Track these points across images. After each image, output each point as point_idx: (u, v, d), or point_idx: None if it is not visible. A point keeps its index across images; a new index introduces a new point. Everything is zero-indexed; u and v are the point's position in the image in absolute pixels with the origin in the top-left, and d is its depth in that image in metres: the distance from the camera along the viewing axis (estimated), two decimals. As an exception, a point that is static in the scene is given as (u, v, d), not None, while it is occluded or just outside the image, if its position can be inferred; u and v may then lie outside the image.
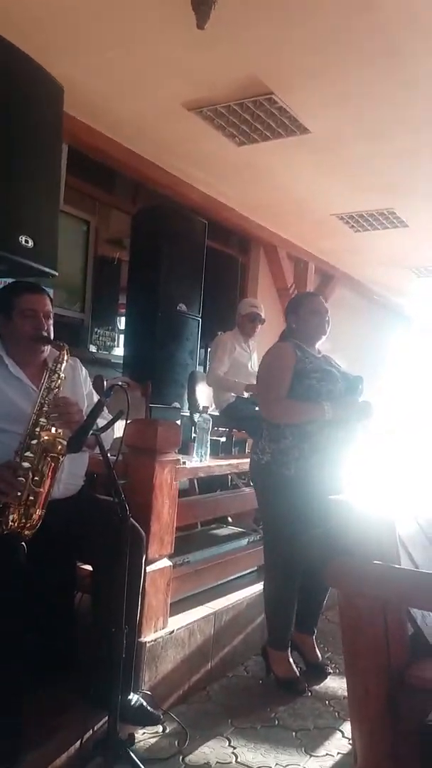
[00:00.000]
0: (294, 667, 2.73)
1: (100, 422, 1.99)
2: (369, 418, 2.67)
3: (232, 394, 4.26)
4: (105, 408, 2.11)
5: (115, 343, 5.12)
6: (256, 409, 4.18)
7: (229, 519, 3.74)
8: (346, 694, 2.52)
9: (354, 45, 3.00)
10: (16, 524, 1.90)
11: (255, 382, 4.32)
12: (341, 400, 2.63)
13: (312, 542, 2.46)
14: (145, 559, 2.30)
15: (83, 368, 2.39)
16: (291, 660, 2.73)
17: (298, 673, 2.72)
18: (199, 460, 2.83)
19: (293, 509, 2.55)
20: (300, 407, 2.58)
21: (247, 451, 4.60)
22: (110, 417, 2.07)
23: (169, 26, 2.90)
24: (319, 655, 2.89)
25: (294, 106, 3.66)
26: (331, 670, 2.84)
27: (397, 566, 1.92)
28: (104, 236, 4.82)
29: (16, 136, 2.36)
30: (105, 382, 3.63)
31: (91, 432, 1.88)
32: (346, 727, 2.36)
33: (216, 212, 5.19)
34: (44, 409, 2.02)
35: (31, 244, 2.38)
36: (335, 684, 2.74)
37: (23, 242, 2.36)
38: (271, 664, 2.73)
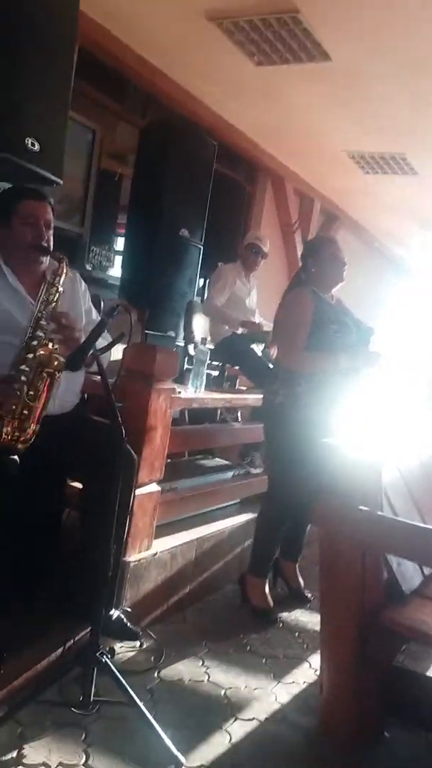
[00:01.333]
0: (269, 597, 2.82)
1: (100, 343, 1.93)
2: (377, 367, 2.70)
3: (227, 328, 4.20)
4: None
5: (111, 263, 4.98)
6: (252, 347, 4.17)
7: (216, 451, 3.76)
8: (316, 627, 2.62)
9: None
10: (9, 437, 1.87)
11: (252, 318, 4.30)
12: (355, 351, 2.67)
13: (305, 480, 2.52)
14: (135, 483, 2.30)
15: (83, 282, 2.31)
16: (267, 590, 2.83)
17: (271, 604, 2.82)
18: (194, 391, 2.80)
19: (299, 450, 2.59)
20: (316, 359, 2.64)
21: (237, 386, 4.60)
22: (110, 338, 2.02)
23: None
24: (302, 582, 3.02)
25: (319, 30, 3.46)
26: (311, 596, 2.95)
27: (379, 513, 1.95)
28: (109, 149, 4.59)
29: (27, 31, 2.18)
30: (102, 303, 3.54)
31: (90, 351, 1.83)
32: (314, 659, 2.45)
33: (226, 134, 4.97)
34: (41, 322, 1.96)
35: (37, 147, 2.25)
36: (306, 618, 2.83)
37: (29, 145, 2.22)
38: (248, 591, 2.82)
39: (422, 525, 2.15)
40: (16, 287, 2.07)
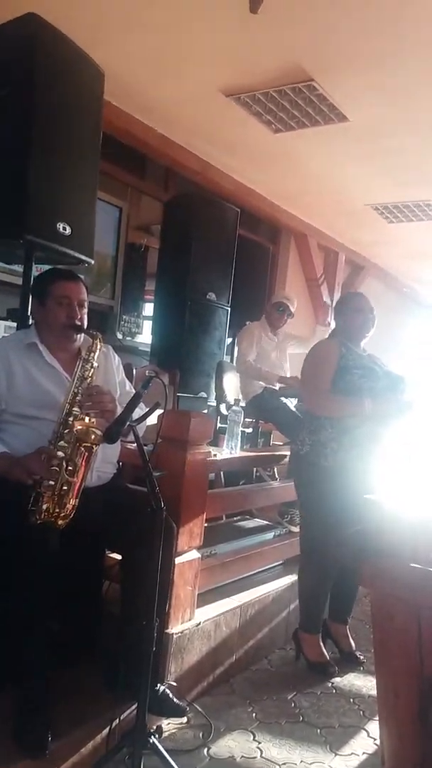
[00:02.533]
0: (324, 650, 2.81)
1: (136, 413, 1.98)
2: (407, 416, 2.68)
3: (260, 384, 4.22)
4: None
5: (140, 329, 5.10)
6: (282, 400, 4.17)
7: (254, 511, 3.72)
8: (371, 692, 2.53)
9: (398, 35, 2.93)
10: (49, 513, 1.90)
11: (282, 373, 4.32)
12: (382, 396, 2.65)
13: (347, 541, 2.46)
14: (175, 551, 2.29)
15: (116, 356, 2.37)
16: (322, 644, 2.81)
17: (328, 657, 2.79)
18: (230, 452, 2.81)
19: (330, 500, 2.59)
20: (341, 402, 2.64)
21: (271, 443, 4.58)
22: (145, 408, 2.06)
23: (213, 11, 2.85)
24: (353, 643, 2.95)
25: (334, 94, 3.58)
26: (363, 659, 2.88)
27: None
28: (134, 222, 4.79)
29: (57, 122, 2.33)
30: (134, 371, 3.62)
31: (127, 423, 1.87)
32: (371, 727, 2.34)
33: (247, 200, 5.12)
34: (77, 398, 2.01)
35: (68, 231, 2.36)
36: (360, 682, 2.72)
37: (61, 229, 2.34)
38: (303, 647, 2.81)
39: None
40: (53, 365, 2.15)
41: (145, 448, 1.97)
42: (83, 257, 2.45)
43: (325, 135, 4.06)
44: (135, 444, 1.93)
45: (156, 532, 1.88)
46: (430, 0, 2.66)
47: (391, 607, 1.92)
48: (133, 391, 2.26)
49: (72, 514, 1.91)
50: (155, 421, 2.37)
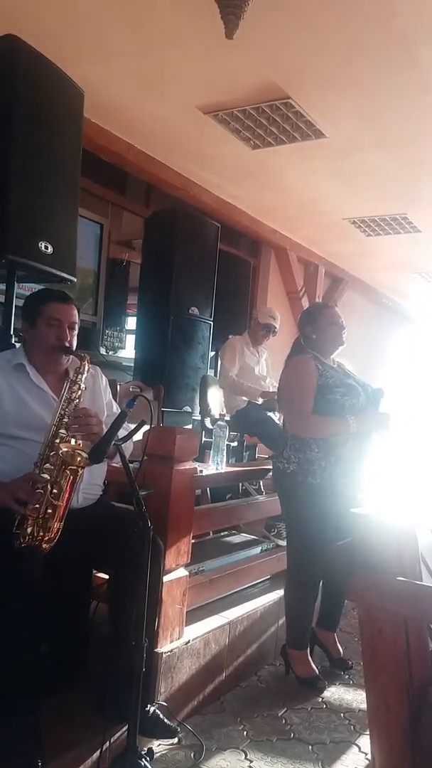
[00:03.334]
0: (313, 665, 2.80)
1: (121, 432, 1.97)
2: (387, 429, 2.69)
3: (244, 399, 4.23)
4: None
5: (123, 344, 5.09)
6: (268, 414, 4.19)
7: (241, 525, 3.71)
8: (361, 706, 2.52)
9: (373, 54, 3.00)
10: (34, 537, 1.88)
11: (264, 388, 4.33)
12: (364, 413, 2.66)
13: (334, 556, 2.46)
14: (162, 569, 2.28)
15: (103, 377, 2.37)
16: (310, 659, 2.80)
17: (317, 672, 2.79)
18: (216, 468, 2.81)
19: (318, 517, 2.59)
20: (326, 423, 2.63)
21: (256, 456, 4.58)
22: (131, 427, 2.06)
23: (190, 32, 2.89)
24: (341, 649, 2.98)
25: (311, 111, 3.64)
26: (352, 663, 2.92)
27: (419, 582, 1.90)
28: (115, 237, 4.80)
29: (37, 142, 2.34)
30: (118, 387, 3.62)
31: (113, 443, 1.87)
32: (362, 741, 2.34)
33: (228, 215, 5.18)
34: (64, 420, 1.99)
35: (50, 250, 2.37)
36: (350, 696, 2.72)
37: (42, 248, 2.34)
38: (292, 664, 2.80)
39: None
40: (41, 386, 2.13)
41: (131, 465, 1.97)
42: (65, 275, 2.46)
43: (303, 151, 4.12)
44: (121, 463, 1.92)
45: (143, 550, 1.87)
46: (404, 23, 2.73)
47: (379, 620, 1.92)
48: None
49: (57, 537, 1.89)
50: (141, 437, 2.36)
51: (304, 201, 5.03)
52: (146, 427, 2.11)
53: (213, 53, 3.06)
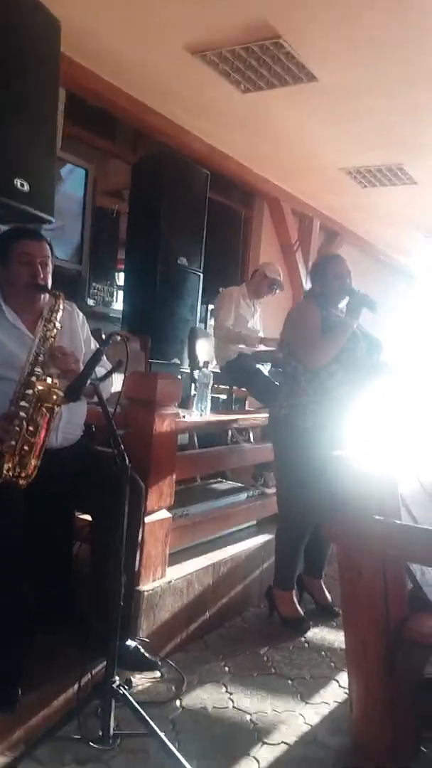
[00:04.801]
0: (298, 606, 2.86)
1: (100, 372, 1.96)
2: (388, 378, 2.73)
3: (235, 350, 4.21)
4: (105, 358, 2.08)
5: (114, 298, 5.03)
6: (257, 366, 4.17)
7: (228, 474, 3.74)
8: (342, 645, 2.56)
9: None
10: (11, 474, 1.88)
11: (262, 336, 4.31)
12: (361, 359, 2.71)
13: (318, 496, 2.50)
14: (144, 510, 2.30)
15: (80, 313, 2.34)
16: (296, 601, 2.86)
17: (302, 613, 2.84)
18: (200, 414, 2.80)
19: (308, 460, 2.61)
20: (331, 338, 2.66)
21: (246, 407, 4.59)
22: (109, 367, 2.04)
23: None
24: (329, 596, 3.01)
25: (302, 52, 3.50)
26: (339, 611, 2.91)
27: (397, 522, 1.91)
28: (103, 187, 4.69)
29: (9, 74, 2.25)
30: (103, 335, 3.58)
31: (89, 381, 1.85)
32: (342, 677, 2.39)
33: (218, 163, 5.04)
34: (39, 358, 1.98)
35: (26, 187, 2.31)
36: (332, 636, 2.77)
37: (18, 186, 2.28)
38: (277, 604, 2.85)
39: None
40: (17, 325, 2.11)
41: (110, 409, 1.96)
42: (43, 215, 2.40)
43: (295, 95, 3.99)
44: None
45: (122, 490, 1.87)
46: None
47: (357, 560, 1.95)
48: None
49: (34, 474, 1.89)
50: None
51: (297, 149, 4.89)
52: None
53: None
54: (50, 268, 2.17)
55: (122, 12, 3.25)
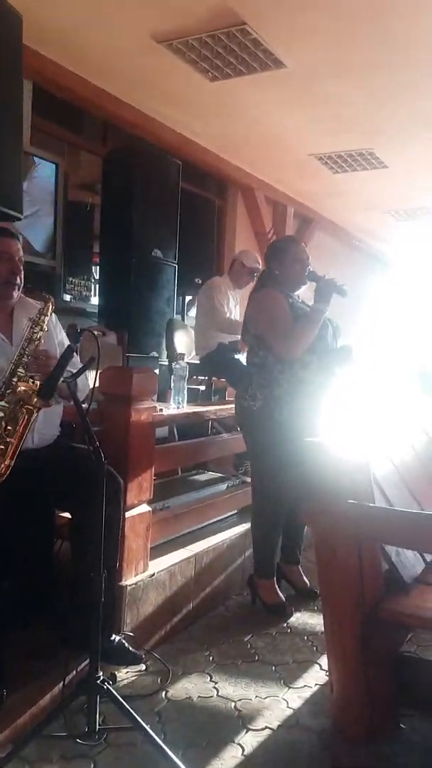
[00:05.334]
0: (280, 593, 2.88)
1: (74, 370, 1.95)
2: (351, 363, 2.74)
3: (213, 341, 4.21)
4: (78, 356, 2.08)
5: (92, 292, 4.99)
6: (235, 357, 4.18)
7: (209, 465, 3.76)
8: (323, 629, 2.61)
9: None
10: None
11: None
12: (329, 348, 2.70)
13: (290, 481, 2.53)
14: (124, 505, 2.30)
15: (53, 314, 2.32)
16: (277, 587, 2.88)
17: (284, 599, 2.87)
18: (176, 407, 2.81)
19: (283, 451, 2.62)
20: (305, 327, 2.62)
21: (227, 398, 4.60)
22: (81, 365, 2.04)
23: None
24: (307, 581, 3.03)
25: (268, 39, 3.50)
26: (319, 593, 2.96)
27: (370, 504, 1.94)
28: (75, 181, 4.64)
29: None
30: (79, 330, 3.56)
31: (62, 380, 1.85)
32: (324, 661, 2.42)
33: (190, 153, 5.02)
34: (24, 359, 1.97)
35: (-7, 185, 2.28)
36: (314, 620, 2.81)
37: (-17, 183, 2.25)
38: (259, 592, 2.87)
39: (413, 511, 2.16)
40: None
41: (84, 406, 1.96)
42: (12, 213, 2.39)
43: (263, 82, 3.99)
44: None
45: (100, 486, 1.88)
46: None
47: (332, 542, 1.98)
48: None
49: (6, 474, 1.89)
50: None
51: (268, 136, 4.89)
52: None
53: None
54: (21, 266, 2.17)
55: (87, 4, 3.22)
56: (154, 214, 4.15)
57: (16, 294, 2.16)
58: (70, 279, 4.60)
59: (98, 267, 4.38)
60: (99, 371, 2.08)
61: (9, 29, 2.39)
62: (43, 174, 3.89)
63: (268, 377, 2.70)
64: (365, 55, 3.61)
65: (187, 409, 2.90)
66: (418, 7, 3.08)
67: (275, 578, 2.92)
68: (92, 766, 1.81)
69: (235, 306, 4.40)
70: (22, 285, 2.17)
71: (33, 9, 2.99)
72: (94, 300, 4.74)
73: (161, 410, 2.65)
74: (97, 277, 4.73)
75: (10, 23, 2.39)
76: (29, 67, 3.49)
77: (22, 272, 2.17)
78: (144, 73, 3.98)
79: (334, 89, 4.05)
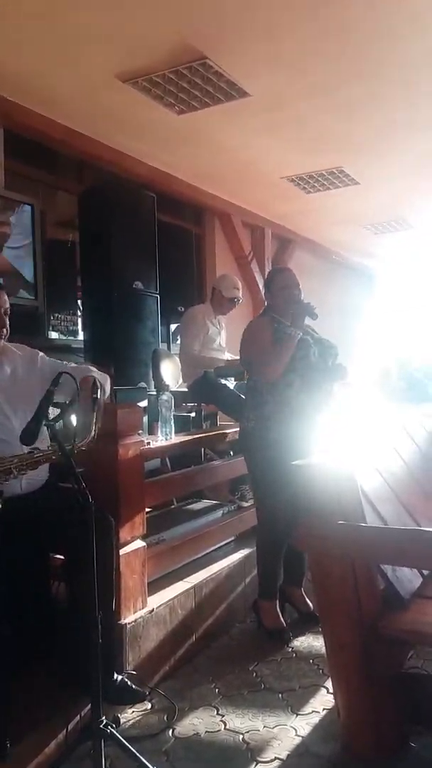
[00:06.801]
0: (281, 617, 2.88)
1: (53, 413, 1.96)
2: (342, 380, 2.87)
3: (201, 369, 4.22)
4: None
5: (78, 327, 5.02)
6: (223, 382, 4.20)
7: (205, 492, 3.75)
8: (328, 651, 2.58)
9: (283, 2, 2.93)
10: None
11: (227, 358, 4.33)
12: (314, 365, 2.80)
13: (281, 506, 2.55)
14: (117, 542, 2.30)
15: (39, 358, 2.36)
16: (278, 611, 2.88)
17: (284, 624, 2.87)
18: (164, 439, 2.82)
19: (277, 470, 2.64)
20: (279, 349, 2.73)
21: (218, 424, 4.60)
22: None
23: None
24: (311, 604, 3.02)
25: (230, 70, 3.57)
26: None
27: (361, 524, 1.95)
28: (53, 219, 4.70)
29: None
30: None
31: (43, 423, 1.86)
32: (330, 683, 2.40)
33: (165, 185, 5.09)
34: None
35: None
36: (318, 643, 2.79)
37: (-43, 234, 2.28)
38: (261, 615, 2.88)
39: (405, 528, 2.15)
40: None
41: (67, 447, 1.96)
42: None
43: (230, 111, 4.05)
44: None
45: (89, 526, 1.88)
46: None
47: (326, 564, 1.98)
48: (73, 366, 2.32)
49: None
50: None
51: (240, 162, 4.97)
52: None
53: (118, 14, 2.96)
54: (8, 318, 2.23)
55: (50, 49, 3.29)
56: (133, 247, 4.21)
57: (0, 342, 2.20)
58: (56, 315, 4.63)
59: (81, 302, 4.42)
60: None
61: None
62: (20, 216, 3.94)
63: (259, 398, 2.83)
64: (325, 74, 3.66)
65: (175, 439, 2.91)
66: (375, 22, 3.15)
67: (279, 602, 2.91)
68: None
69: (219, 332, 4.42)
70: (8, 334, 2.23)
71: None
72: (81, 335, 4.77)
73: (149, 443, 2.66)
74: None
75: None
76: (-1, 114, 3.57)
77: (8, 322, 2.23)
78: (112, 111, 4.05)
79: (299, 111, 4.13)
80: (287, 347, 2.73)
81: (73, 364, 2.46)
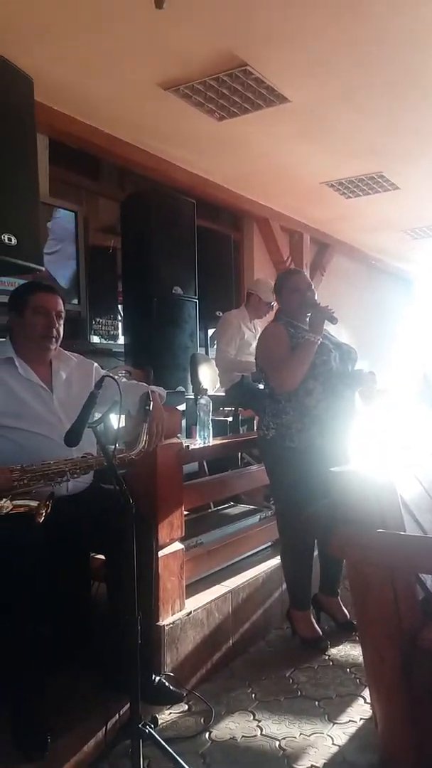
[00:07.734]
0: (316, 626, 2.85)
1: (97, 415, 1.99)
2: (369, 387, 2.72)
3: (237, 373, 4.24)
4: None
5: (119, 331, 5.10)
6: (260, 387, 4.20)
7: (242, 497, 3.75)
8: (366, 660, 2.56)
9: (322, 7, 2.93)
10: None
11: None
12: (335, 373, 2.68)
13: (317, 514, 2.50)
14: (156, 545, 2.32)
15: (94, 370, 2.41)
16: (313, 619, 2.85)
17: (320, 632, 2.83)
18: (203, 443, 2.83)
19: (299, 479, 2.62)
20: (297, 357, 2.62)
21: (255, 428, 4.60)
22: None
23: (134, 6, 2.84)
24: (347, 612, 2.97)
25: (270, 76, 3.59)
26: None
27: (401, 533, 1.92)
28: (95, 225, 4.78)
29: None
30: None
31: (87, 425, 1.89)
32: (367, 693, 2.38)
33: (204, 190, 5.14)
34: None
35: (14, 241, 2.38)
36: (356, 651, 2.76)
37: (6, 240, 2.35)
38: (295, 625, 2.85)
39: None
40: (29, 377, 2.21)
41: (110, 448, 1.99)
42: (33, 265, 2.47)
43: (269, 117, 4.08)
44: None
45: (129, 528, 1.90)
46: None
47: (365, 573, 1.96)
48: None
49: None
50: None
51: (279, 168, 4.98)
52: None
53: (162, 26, 3.00)
54: (62, 320, 2.27)
55: (92, 59, 3.36)
56: (173, 252, 4.25)
57: (53, 346, 2.25)
58: (97, 320, 4.72)
59: (122, 307, 4.48)
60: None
61: (21, 92, 2.51)
62: (63, 221, 4.03)
63: (277, 406, 2.73)
64: (366, 81, 3.66)
65: (213, 443, 2.92)
66: (414, 29, 3.13)
67: (315, 610, 2.88)
68: None
69: (254, 336, 4.43)
70: (60, 338, 2.26)
71: (44, 69, 3.15)
72: (121, 339, 4.84)
73: (188, 446, 2.68)
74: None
75: (22, 86, 2.50)
76: (44, 123, 3.65)
77: (62, 327, 2.26)
78: (153, 119, 4.11)
79: (339, 117, 4.12)
80: (307, 354, 2.61)
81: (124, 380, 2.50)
